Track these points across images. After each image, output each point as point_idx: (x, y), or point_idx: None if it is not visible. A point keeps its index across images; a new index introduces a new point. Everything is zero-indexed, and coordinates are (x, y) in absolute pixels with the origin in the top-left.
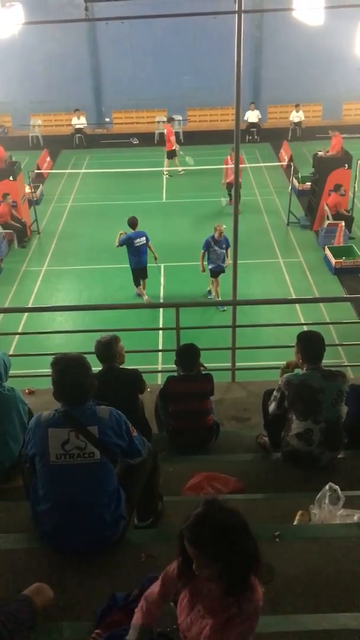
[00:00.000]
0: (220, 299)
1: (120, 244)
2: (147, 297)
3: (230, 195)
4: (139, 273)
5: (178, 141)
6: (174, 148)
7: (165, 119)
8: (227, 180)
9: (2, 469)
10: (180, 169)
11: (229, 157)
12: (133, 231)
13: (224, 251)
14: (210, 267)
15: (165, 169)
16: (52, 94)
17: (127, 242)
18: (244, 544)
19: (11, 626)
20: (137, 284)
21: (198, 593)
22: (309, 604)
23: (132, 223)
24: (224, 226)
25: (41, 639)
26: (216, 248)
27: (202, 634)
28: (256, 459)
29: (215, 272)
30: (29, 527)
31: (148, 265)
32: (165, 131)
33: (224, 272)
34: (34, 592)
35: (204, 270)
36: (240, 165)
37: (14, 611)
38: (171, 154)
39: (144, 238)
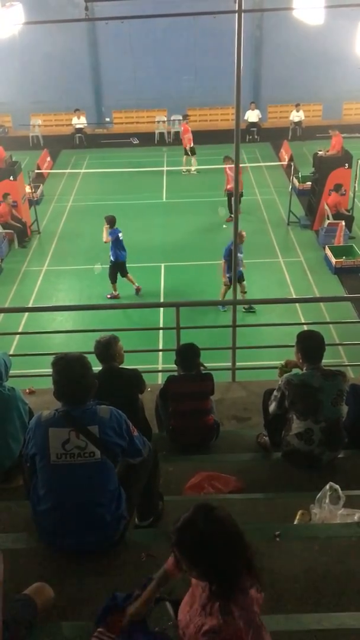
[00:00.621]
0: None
1: (111, 236)
2: (138, 285)
3: (230, 208)
4: (124, 267)
5: (178, 141)
6: (191, 146)
7: (165, 118)
8: (228, 187)
9: (3, 468)
10: (192, 168)
11: (227, 168)
12: (113, 228)
13: (242, 255)
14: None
15: (184, 168)
16: (52, 94)
17: (114, 235)
18: (226, 554)
19: (12, 625)
20: (125, 274)
21: (196, 590)
22: (309, 603)
23: (111, 220)
24: (224, 226)
25: (42, 638)
26: (238, 254)
27: (200, 632)
28: (256, 458)
29: (240, 278)
30: (30, 527)
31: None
32: (181, 129)
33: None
34: (35, 591)
35: (230, 283)
36: (240, 176)
37: (14, 610)
38: (187, 152)
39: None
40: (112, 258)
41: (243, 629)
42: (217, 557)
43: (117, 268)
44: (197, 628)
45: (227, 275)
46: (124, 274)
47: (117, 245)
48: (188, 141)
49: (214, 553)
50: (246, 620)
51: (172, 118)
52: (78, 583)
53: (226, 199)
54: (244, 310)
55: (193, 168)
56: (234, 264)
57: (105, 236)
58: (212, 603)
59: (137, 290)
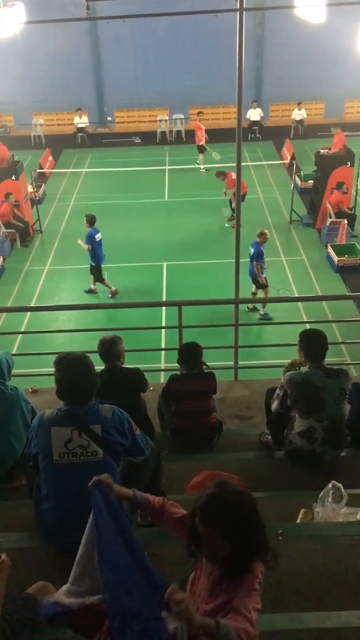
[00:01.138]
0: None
1: (88, 243)
2: (115, 288)
3: (233, 210)
4: (101, 268)
5: (180, 140)
6: (202, 143)
7: (166, 117)
8: (230, 190)
9: (6, 467)
10: (202, 166)
11: (231, 173)
12: (92, 228)
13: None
14: (249, 275)
15: (201, 165)
16: (53, 93)
17: (89, 239)
18: (254, 524)
19: (15, 624)
20: (101, 279)
21: (200, 577)
22: (311, 602)
23: (90, 219)
24: (226, 225)
25: (44, 637)
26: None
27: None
28: (259, 457)
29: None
30: (32, 526)
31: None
32: (195, 127)
33: None
34: (37, 590)
35: (267, 284)
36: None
37: (17, 609)
38: (200, 149)
39: (100, 234)
40: (92, 263)
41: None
42: (251, 525)
43: (100, 271)
44: (202, 614)
45: (263, 276)
46: (101, 278)
47: (96, 246)
48: (201, 138)
49: (248, 521)
50: (245, 589)
51: (174, 117)
52: None
53: (228, 199)
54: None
55: (202, 166)
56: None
57: (83, 246)
58: (220, 585)
59: (114, 293)
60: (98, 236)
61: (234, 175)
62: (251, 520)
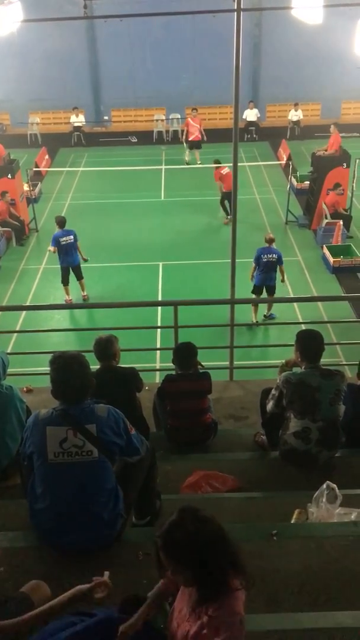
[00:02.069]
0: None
1: (54, 245)
2: (70, 298)
3: (225, 210)
4: (67, 272)
5: (176, 139)
6: (190, 138)
7: (163, 117)
8: (192, 139)
9: (0, 467)
10: (186, 159)
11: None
12: (60, 230)
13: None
14: (268, 282)
15: (186, 158)
16: (50, 92)
17: (54, 241)
18: (215, 553)
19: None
20: (64, 283)
21: (184, 595)
22: (306, 602)
23: (60, 222)
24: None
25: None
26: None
27: (187, 637)
28: (254, 457)
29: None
30: (27, 525)
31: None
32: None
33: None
34: (31, 589)
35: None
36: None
37: (11, 609)
38: (191, 145)
39: (72, 237)
40: (62, 264)
41: (222, 630)
42: (206, 556)
43: (63, 272)
44: (184, 633)
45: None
46: (64, 282)
47: (58, 249)
48: (193, 132)
49: (202, 552)
50: (227, 622)
51: (170, 116)
52: (75, 582)
53: (219, 199)
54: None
55: (186, 158)
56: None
57: (50, 248)
58: (200, 607)
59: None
60: (64, 239)
61: (222, 170)
62: (212, 549)
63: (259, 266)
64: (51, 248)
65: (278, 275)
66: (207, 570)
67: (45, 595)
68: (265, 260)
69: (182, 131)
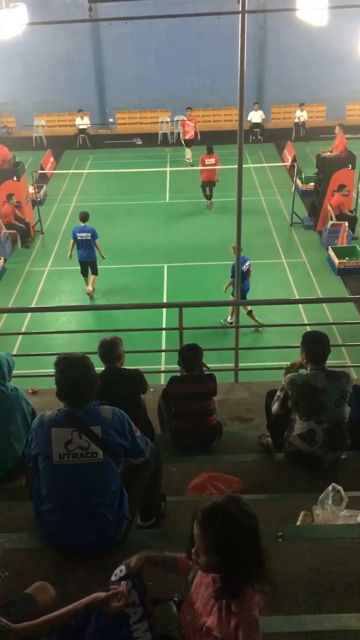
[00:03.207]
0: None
1: (73, 238)
2: (90, 288)
3: (206, 196)
4: (83, 265)
5: (181, 142)
6: (188, 137)
7: (168, 119)
8: (187, 137)
9: (6, 468)
10: (187, 157)
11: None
12: (81, 225)
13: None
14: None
15: (187, 157)
16: (55, 95)
17: (72, 234)
18: (247, 549)
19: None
20: (82, 274)
21: (198, 588)
22: (311, 604)
23: (81, 217)
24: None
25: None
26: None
27: (201, 630)
28: (259, 459)
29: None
30: (32, 527)
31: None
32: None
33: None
34: (36, 590)
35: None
36: (218, 166)
37: (16, 610)
38: (187, 143)
39: (89, 234)
40: (78, 258)
41: (239, 631)
42: (237, 548)
43: (81, 266)
44: (199, 628)
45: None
46: (83, 273)
47: (77, 245)
48: (189, 131)
49: (236, 543)
50: (244, 622)
51: (175, 119)
52: (80, 583)
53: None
54: (252, 330)
55: (187, 157)
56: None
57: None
58: (215, 602)
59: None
60: (80, 235)
61: (207, 159)
62: (244, 543)
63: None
64: (71, 241)
65: None
66: (234, 561)
67: (50, 597)
68: (244, 269)
69: (179, 132)
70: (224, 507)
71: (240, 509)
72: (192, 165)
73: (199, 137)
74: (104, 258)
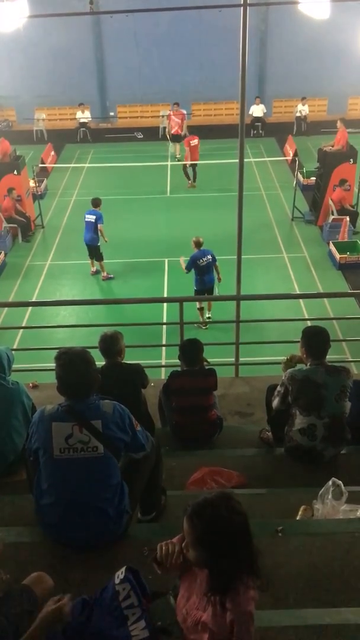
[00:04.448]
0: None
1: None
2: (95, 269)
3: (187, 175)
4: (88, 250)
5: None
6: (174, 132)
7: (169, 113)
8: (172, 132)
9: (6, 462)
10: (177, 155)
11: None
12: (92, 209)
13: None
14: (208, 285)
15: (177, 154)
16: (56, 88)
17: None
18: (235, 546)
19: (12, 617)
20: (89, 256)
21: (193, 583)
22: (311, 598)
23: (92, 202)
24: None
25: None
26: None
27: (197, 625)
28: (259, 454)
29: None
30: (33, 521)
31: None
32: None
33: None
34: (34, 581)
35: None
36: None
37: (15, 601)
38: (175, 138)
39: (93, 217)
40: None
41: (234, 625)
42: (225, 545)
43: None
44: (195, 621)
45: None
46: (90, 256)
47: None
48: (174, 126)
49: (224, 539)
50: (239, 616)
51: (161, 114)
52: (81, 577)
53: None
54: (202, 327)
55: (177, 155)
56: None
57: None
58: (209, 597)
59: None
60: (88, 217)
61: (192, 141)
62: (232, 539)
63: (197, 272)
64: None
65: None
66: (222, 557)
67: (47, 587)
68: (202, 264)
69: (164, 127)
70: (213, 504)
71: (229, 506)
72: (179, 160)
73: (185, 133)
74: (106, 241)
